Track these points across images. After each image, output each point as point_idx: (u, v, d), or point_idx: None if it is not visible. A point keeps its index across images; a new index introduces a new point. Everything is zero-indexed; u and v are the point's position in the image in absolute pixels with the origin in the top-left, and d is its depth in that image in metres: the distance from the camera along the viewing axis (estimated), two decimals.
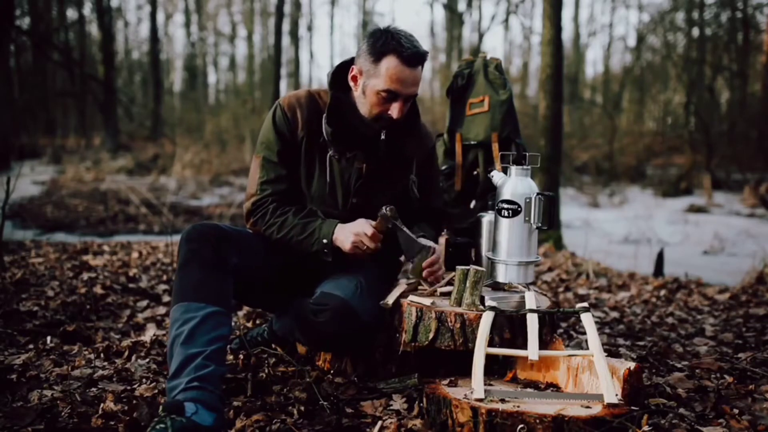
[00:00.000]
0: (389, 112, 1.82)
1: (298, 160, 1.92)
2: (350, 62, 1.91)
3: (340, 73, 1.91)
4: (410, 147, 2.00)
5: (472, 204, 2.42)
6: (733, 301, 3.41)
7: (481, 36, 21.13)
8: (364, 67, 1.81)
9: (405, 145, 1.98)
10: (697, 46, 16.51)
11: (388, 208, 1.81)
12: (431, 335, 1.71)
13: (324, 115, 1.88)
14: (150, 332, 2.44)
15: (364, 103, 1.84)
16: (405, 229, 1.84)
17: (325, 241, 1.82)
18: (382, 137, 1.89)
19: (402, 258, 2.15)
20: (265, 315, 2.72)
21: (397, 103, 1.81)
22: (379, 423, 1.56)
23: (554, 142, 5.45)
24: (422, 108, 2.09)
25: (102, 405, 1.63)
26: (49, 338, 2.28)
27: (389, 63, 1.76)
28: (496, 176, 1.90)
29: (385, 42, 1.76)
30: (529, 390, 1.65)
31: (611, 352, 2.33)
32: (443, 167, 2.46)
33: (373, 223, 1.82)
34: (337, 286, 1.78)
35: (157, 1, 21.31)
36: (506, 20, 23.04)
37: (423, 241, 1.88)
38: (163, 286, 3.27)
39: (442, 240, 2.24)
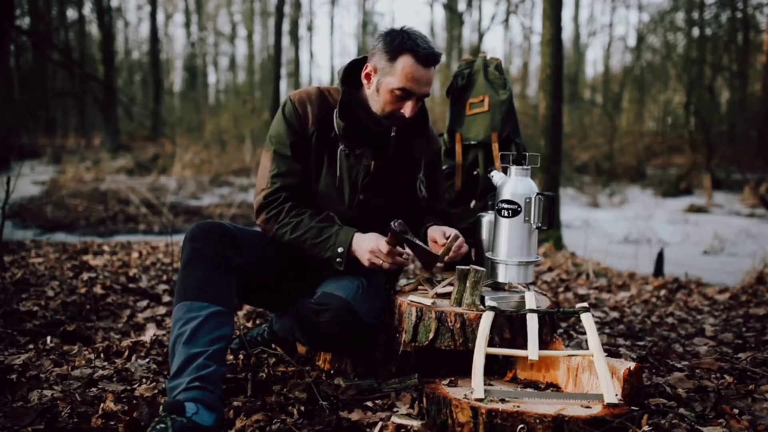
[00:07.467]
0: (402, 111, 1.83)
1: (308, 156, 1.91)
2: (361, 61, 1.92)
3: (351, 71, 1.92)
4: (418, 147, 2.01)
5: (472, 204, 2.42)
6: (733, 301, 3.41)
7: (481, 36, 21.13)
8: (379, 65, 1.81)
9: (413, 144, 1.99)
10: (697, 46, 16.52)
11: (396, 223, 1.72)
12: (431, 335, 1.71)
13: (336, 110, 1.88)
14: (150, 332, 2.45)
15: (377, 100, 1.85)
16: (418, 241, 1.76)
17: (340, 249, 1.79)
18: (392, 134, 1.89)
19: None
20: (265, 315, 2.72)
21: (410, 101, 1.82)
22: (379, 423, 1.56)
23: (554, 142, 5.45)
24: None
25: (102, 405, 1.63)
26: (49, 338, 2.28)
27: (405, 62, 1.77)
28: (496, 176, 1.90)
29: (401, 41, 1.77)
30: (529, 390, 1.65)
31: (611, 352, 2.33)
32: (443, 167, 2.46)
33: (386, 239, 1.74)
34: (339, 287, 1.78)
35: (157, 1, 21.30)
36: (506, 20, 23.03)
37: (446, 230, 1.87)
38: (163, 286, 3.27)
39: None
